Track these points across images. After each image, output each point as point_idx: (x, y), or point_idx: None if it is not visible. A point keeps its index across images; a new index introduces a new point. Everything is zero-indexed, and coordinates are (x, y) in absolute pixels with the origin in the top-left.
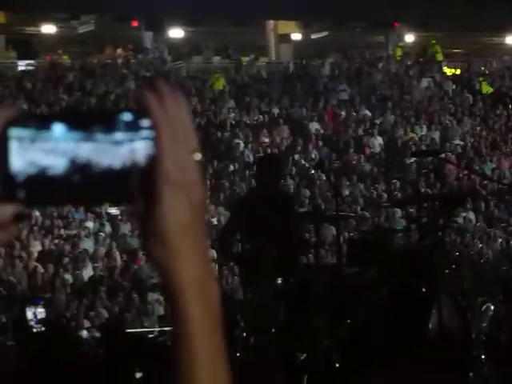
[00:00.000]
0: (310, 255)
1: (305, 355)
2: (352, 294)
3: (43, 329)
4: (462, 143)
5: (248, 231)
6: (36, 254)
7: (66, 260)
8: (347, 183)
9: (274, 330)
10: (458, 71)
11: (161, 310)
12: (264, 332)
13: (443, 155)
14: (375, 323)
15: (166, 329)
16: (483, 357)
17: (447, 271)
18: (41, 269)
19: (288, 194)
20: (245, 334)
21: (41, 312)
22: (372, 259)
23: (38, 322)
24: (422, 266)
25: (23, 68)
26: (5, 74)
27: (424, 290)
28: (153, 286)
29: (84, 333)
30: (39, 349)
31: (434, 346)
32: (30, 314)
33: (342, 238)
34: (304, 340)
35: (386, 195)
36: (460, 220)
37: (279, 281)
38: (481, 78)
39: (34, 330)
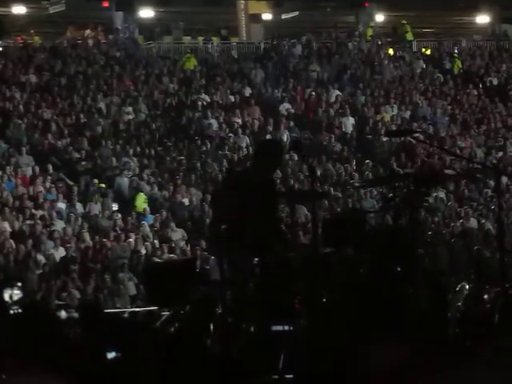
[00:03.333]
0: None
1: (282, 334)
2: (328, 272)
3: (20, 310)
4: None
5: (227, 211)
6: (7, 235)
7: (38, 240)
8: (318, 163)
9: (251, 309)
10: (429, 51)
11: (133, 290)
12: (241, 311)
13: (415, 135)
14: (351, 302)
15: (137, 309)
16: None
17: (422, 250)
18: (12, 249)
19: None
20: (222, 313)
21: (17, 294)
22: (348, 239)
23: (14, 303)
24: (397, 245)
25: None
26: None
27: (399, 269)
28: (124, 265)
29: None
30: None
31: (410, 324)
32: (6, 295)
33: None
34: (281, 319)
35: (357, 175)
36: (431, 200)
37: (256, 260)
38: (455, 55)
39: (11, 312)
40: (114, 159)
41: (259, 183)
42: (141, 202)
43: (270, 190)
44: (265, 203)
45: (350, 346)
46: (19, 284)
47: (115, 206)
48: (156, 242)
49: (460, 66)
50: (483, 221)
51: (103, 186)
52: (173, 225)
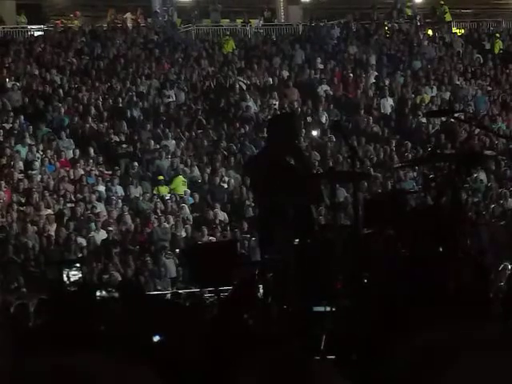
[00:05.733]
0: (327, 216)
1: (324, 315)
2: (370, 254)
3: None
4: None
5: (265, 192)
6: (49, 218)
7: (79, 223)
8: (357, 145)
9: (291, 290)
10: (468, 31)
11: (173, 273)
12: (282, 292)
13: (455, 115)
14: (394, 284)
15: (179, 291)
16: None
17: (463, 231)
18: (52, 233)
19: (302, 154)
20: (263, 294)
21: (74, 274)
22: (389, 219)
23: (72, 283)
24: (438, 225)
25: (34, 33)
26: (15, 39)
27: (441, 249)
28: (164, 248)
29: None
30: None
31: (453, 305)
32: (64, 275)
33: (357, 199)
34: (322, 301)
35: (396, 156)
36: (472, 180)
37: (296, 242)
38: (497, 35)
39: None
40: (153, 142)
41: (278, 159)
42: (179, 184)
43: (292, 166)
44: (291, 178)
45: (389, 328)
46: (77, 265)
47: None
48: (195, 224)
49: (501, 46)
50: None
51: (162, 178)
52: (213, 207)
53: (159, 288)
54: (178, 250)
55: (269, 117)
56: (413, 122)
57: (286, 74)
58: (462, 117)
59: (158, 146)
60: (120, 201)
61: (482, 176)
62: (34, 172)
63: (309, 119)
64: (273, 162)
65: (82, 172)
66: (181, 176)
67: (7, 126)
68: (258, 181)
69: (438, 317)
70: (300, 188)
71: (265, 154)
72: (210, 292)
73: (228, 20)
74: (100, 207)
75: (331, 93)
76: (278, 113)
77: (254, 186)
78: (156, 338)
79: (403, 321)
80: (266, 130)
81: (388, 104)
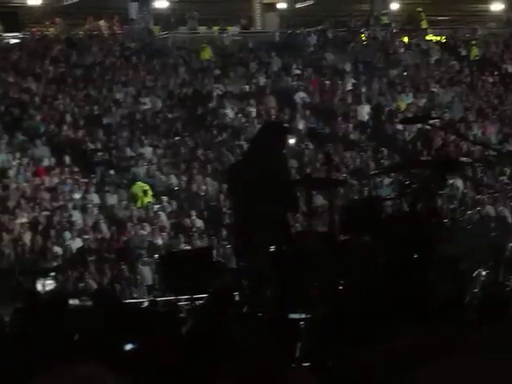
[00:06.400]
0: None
1: (300, 323)
2: (345, 260)
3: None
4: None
5: (242, 199)
6: (24, 226)
7: (54, 232)
8: (334, 152)
9: (268, 298)
10: (444, 38)
11: (150, 280)
12: (258, 300)
13: (431, 122)
14: (370, 290)
15: (156, 299)
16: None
17: (439, 237)
18: (28, 241)
19: (283, 161)
20: (239, 302)
21: (50, 283)
22: (365, 226)
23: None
24: (414, 232)
25: (10, 41)
26: None
27: (417, 256)
28: (140, 256)
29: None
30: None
31: (428, 311)
32: (39, 285)
33: (333, 206)
34: (298, 308)
35: (373, 163)
36: (448, 187)
37: (273, 249)
38: (473, 42)
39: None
40: (129, 149)
41: (258, 166)
42: (138, 189)
43: (271, 174)
44: (274, 189)
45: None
46: (53, 274)
47: None
48: (172, 231)
49: (477, 53)
50: (500, 208)
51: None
52: (190, 214)
53: (135, 296)
54: (154, 258)
55: (246, 124)
56: (389, 129)
57: (262, 81)
58: (438, 124)
59: (134, 154)
60: (96, 209)
61: (458, 183)
62: (9, 180)
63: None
64: (255, 170)
65: (58, 180)
66: (139, 182)
67: None
68: (237, 188)
69: (413, 321)
70: (277, 195)
71: (246, 161)
72: (186, 300)
73: (205, 27)
74: (76, 215)
75: (308, 100)
76: (270, 121)
77: (232, 193)
78: (129, 346)
79: (378, 326)
80: (255, 136)
81: (364, 111)
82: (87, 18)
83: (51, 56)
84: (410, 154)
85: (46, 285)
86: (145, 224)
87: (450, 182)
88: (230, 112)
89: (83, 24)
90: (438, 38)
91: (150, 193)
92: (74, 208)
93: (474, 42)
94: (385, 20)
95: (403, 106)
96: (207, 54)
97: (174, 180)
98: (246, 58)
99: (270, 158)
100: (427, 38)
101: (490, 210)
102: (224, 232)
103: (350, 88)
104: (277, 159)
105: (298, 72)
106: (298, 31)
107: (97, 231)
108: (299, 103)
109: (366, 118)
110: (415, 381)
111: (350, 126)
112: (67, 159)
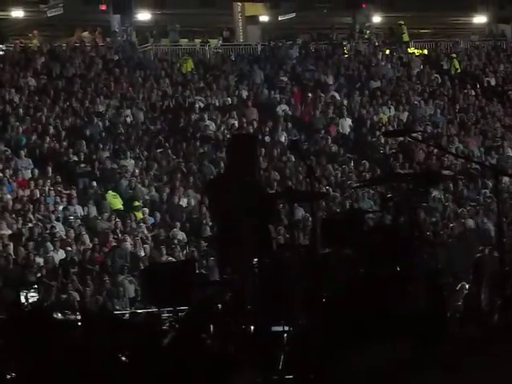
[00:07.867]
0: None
1: (282, 335)
2: (327, 274)
3: (34, 311)
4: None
5: (222, 212)
6: (7, 238)
7: (37, 243)
8: (316, 164)
9: (250, 311)
10: (426, 51)
11: (132, 292)
12: (240, 311)
13: (413, 134)
14: (351, 303)
15: (138, 311)
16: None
17: (421, 250)
18: (11, 252)
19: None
20: (221, 314)
21: (32, 296)
22: (346, 239)
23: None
24: (396, 245)
25: None
26: None
27: (399, 269)
28: (123, 268)
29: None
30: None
31: (409, 324)
32: (22, 297)
33: (315, 218)
34: (281, 321)
35: (354, 176)
36: (429, 200)
37: (255, 261)
38: (453, 55)
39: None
40: (111, 162)
41: (236, 178)
42: (110, 197)
43: (250, 186)
44: (252, 203)
45: (348, 345)
46: (35, 286)
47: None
48: (154, 243)
49: (458, 66)
50: (482, 221)
51: (140, 204)
52: (172, 226)
53: (118, 308)
54: (137, 270)
55: (228, 136)
56: (371, 142)
57: (245, 93)
58: (420, 137)
59: (116, 166)
60: (78, 220)
61: (440, 195)
62: None
63: (267, 139)
64: (232, 182)
65: (41, 191)
66: (110, 191)
67: None
68: (217, 200)
69: (394, 335)
70: (258, 208)
71: (224, 174)
72: (168, 312)
73: (187, 40)
74: (58, 227)
75: (290, 112)
76: (238, 133)
77: (213, 206)
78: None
79: (360, 339)
80: (226, 149)
81: (346, 124)
82: (75, 29)
83: (34, 68)
84: (391, 166)
85: (28, 297)
86: (127, 236)
87: (432, 194)
88: (212, 124)
89: (66, 36)
90: (420, 51)
91: (137, 203)
92: (57, 220)
93: (455, 56)
94: (366, 33)
95: (385, 118)
96: (189, 66)
97: (155, 192)
98: (228, 71)
99: (244, 171)
100: (409, 51)
101: (471, 222)
102: (206, 244)
103: (331, 101)
104: (251, 172)
105: (280, 84)
106: (280, 44)
107: (79, 243)
108: (281, 116)
109: (347, 130)
110: None
111: (331, 138)
112: (50, 170)
